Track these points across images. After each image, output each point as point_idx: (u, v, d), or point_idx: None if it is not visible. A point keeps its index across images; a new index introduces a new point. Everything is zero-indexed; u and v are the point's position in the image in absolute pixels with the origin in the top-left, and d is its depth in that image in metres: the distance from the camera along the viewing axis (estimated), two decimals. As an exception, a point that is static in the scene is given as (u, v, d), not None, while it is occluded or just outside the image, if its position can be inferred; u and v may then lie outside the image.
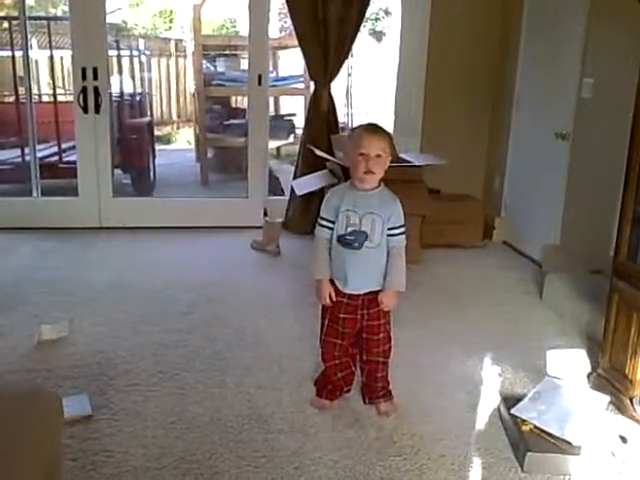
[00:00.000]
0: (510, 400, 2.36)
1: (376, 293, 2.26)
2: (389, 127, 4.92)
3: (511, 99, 4.61)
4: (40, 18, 8.00)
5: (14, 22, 5.69)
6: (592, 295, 3.09)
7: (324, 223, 2.26)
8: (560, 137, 3.92)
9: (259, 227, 4.50)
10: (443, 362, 2.79)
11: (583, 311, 3.13)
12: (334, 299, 2.27)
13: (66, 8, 4.61)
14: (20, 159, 5.63)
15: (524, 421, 2.20)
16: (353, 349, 2.39)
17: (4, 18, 8.53)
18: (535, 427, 2.16)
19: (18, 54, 5.53)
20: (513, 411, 2.26)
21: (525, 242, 4.43)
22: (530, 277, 3.91)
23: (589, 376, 2.64)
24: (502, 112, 4.77)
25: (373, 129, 2.20)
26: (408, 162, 4.14)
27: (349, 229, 2.19)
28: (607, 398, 2.34)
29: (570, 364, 2.79)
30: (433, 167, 4.16)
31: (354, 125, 7.53)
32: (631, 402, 2.35)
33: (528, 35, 4.44)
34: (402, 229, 2.23)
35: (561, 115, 3.94)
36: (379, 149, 2.14)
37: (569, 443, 2.09)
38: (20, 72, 5.59)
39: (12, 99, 6.22)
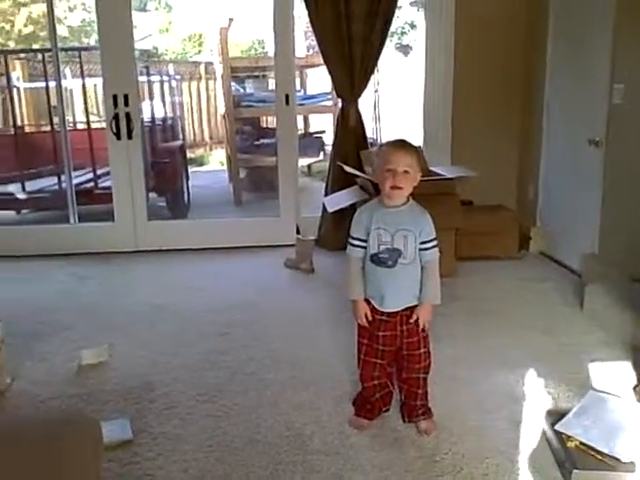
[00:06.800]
0: (554, 415, 2.30)
1: (414, 308, 2.24)
2: (418, 140, 4.91)
3: (541, 107, 4.55)
4: (72, 49, 8.24)
5: (47, 53, 5.86)
6: (634, 304, 3.01)
7: (356, 243, 2.24)
8: (593, 144, 3.85)
9: (292, 245, 4.52)
10: (483, 377, 2.74)
11: (625, 321, 3.04)
12: (370, 318, 2.25)
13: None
14: (57, 186, 5.76)
15: (569, 437, 2.14)
16: (391, 368, 2.36)
17: (37, 50, 8.82)
18: (581, 443, 2.10)
19: (52, 84, 5.68)
20: (557, 427, 2.20)
21: (563, 252, 4.34)
22: (569, 287, 3.83)
23: (635, 388, 2.56)
24: (532, 121, 4.71)
25: (400, 145, 2.19)
26: (439, 175, 4.11)
27: (382, 247, 2.17)
28: (655, 411, 2.27)
29: (615, 377, 2.72)
30: (464, 179, 4.12)
31: (382, 140, 7.53)
32: (681, 415, 2.28)
33: (555, 43, 4.39)
34: (434, 242, 2.21)
35: (593, 122, 3.87)
36: (406, 165, 2.13)
37: (617, 460, 2.02)
38: (54, 101, 5.75)
39: (48, 128, 6.39)
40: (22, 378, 2.81)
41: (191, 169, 7.49)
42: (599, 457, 2.05)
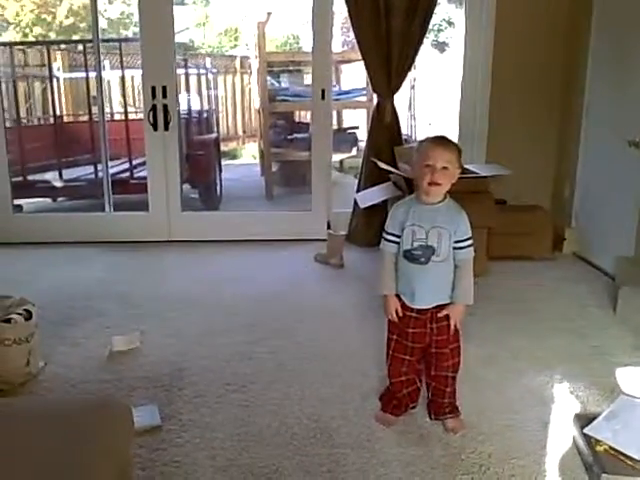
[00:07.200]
0: (583, 419, 2.27)
1: (445, 306, 2.23)
2: (454, 137, 4.87)
3: (580, 107, 4.48)
4: (112, 40, 8.36)
5: (88, 45, 5.96)
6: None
7: (390, 238, 2.24)
8: (633, 145, 3.78)
9: (323, 240, 4.52)
10: (512, 378, 2.72)
11: (661, 326, 2.99)
12: (400, 314, 2.25)
13: (136, 29, 4.77)
14: (93, 176, 5.85)
15: (598, 441, 2.11)
16: (419, 365, 2.36)
17: (79, 41, 8.97)
18: (610, 448, 2.08)
19: (91, 75, 5.77)
20: (586, 430, 2.18)
21: (597, 254, 4.28)
22: (603, 290, 3.77)
23: (668, 395, 2.52)
24: (571, 120, 4.64)
25: (440, 141, 2.18)
26: (473, 173, 4.08)
27: (415, 244, 2.16)
28: (688, 419, 2.23)
29: (647, 382, 2.67)
30: (499, 177, 4.08)
31: (417, 137, 7.49)
32: None
33: (597, 41, 4.31)
34: (469, 241, 2.19)
35: (633, 123, 3.80)
36: (445, 161, 2.11)
37: (648, 465, 1.99)
38: (93, 92, 5.85)
39: (86, 118, 6.50)
40: (55, 362, 2.87)
41: (224, 162, 7.55)
42: (629, 462, 2.02)
